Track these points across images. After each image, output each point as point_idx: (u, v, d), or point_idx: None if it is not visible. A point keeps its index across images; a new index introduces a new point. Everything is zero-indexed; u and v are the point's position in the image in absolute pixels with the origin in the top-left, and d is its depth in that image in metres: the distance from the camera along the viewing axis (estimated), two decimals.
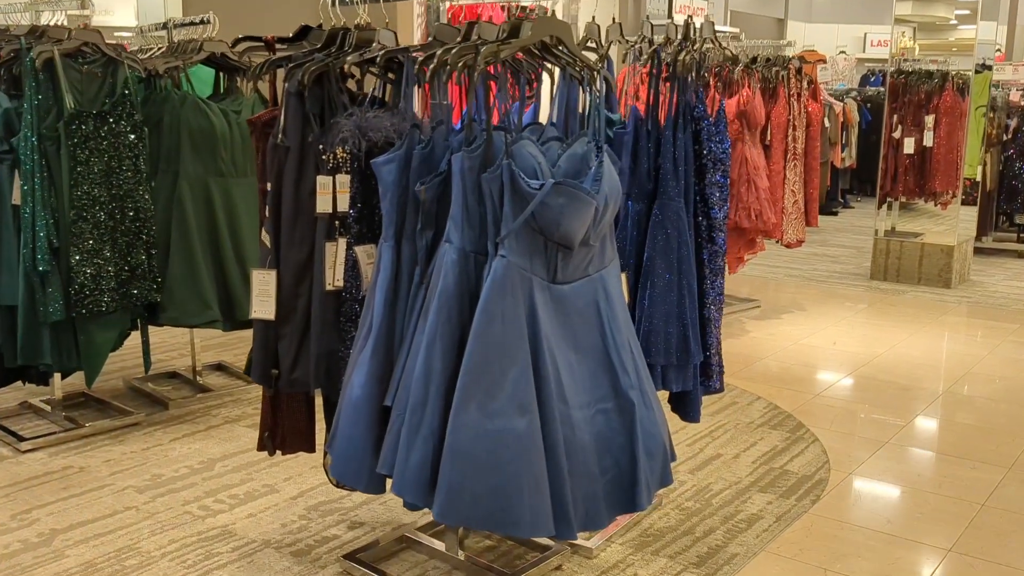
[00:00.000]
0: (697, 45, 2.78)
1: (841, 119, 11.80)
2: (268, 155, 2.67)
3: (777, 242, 5.99)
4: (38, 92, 3.39)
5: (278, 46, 2.72)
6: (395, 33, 2.66)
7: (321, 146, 2.59)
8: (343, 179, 2.61)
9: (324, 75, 2.61)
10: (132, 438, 3.88)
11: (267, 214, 2.69)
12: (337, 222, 2.65)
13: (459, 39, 2.40)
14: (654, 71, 2.75)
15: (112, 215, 3.57)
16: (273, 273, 2.68)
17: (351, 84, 2.71)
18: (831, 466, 3.69)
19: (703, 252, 2.80)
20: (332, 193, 2.63)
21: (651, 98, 2.72)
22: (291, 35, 2.71)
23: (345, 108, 2.60)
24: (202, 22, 4.01)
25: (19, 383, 3.97)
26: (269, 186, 2.68)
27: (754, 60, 5.93)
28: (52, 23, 3.73)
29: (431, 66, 2.21)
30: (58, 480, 3.45)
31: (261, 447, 2.94)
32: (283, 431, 2.90)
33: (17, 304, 3.52)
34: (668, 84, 2.71)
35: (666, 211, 2.67)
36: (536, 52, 2.34)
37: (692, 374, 2.74)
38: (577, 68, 2.39)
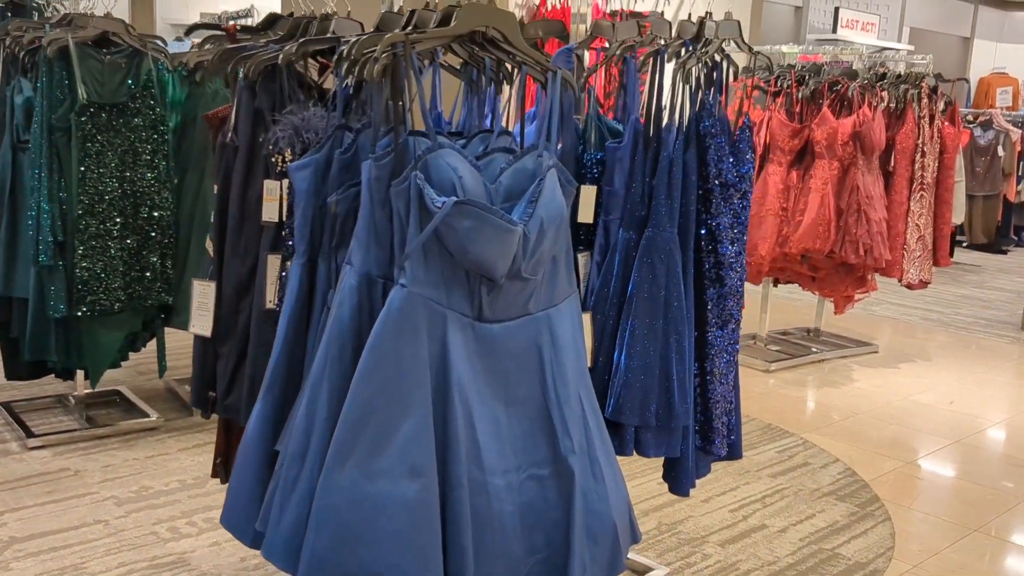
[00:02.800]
0: (712, 47, 2.33)
1: (1019, 148, 10.68)
2: (216, 154, 2.42)
3: (906, 284, 5.29)
4: (51, 81, 3.28)
5: (240, 36, 2.46)
6: (360, 23, 2.35)
7: (271, 147, 2.31)
8: None
9: (278, 68, 2.33)
10: (143, 443, 3.73)
11: (212, 219, 2.44)
12: (285, 232, 2.37)
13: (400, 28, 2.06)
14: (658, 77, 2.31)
15: (123, 212, 3.42)
16: (213, 285, 2.42)
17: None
18: (894, 554, 3.11)
19: (707, 294, 2.33)
20: (279, 200, 2.34)
21: (653, 107, 2.28)
22: (258, 24, 2.45)
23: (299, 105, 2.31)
24: None
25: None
26: (216, 188, 2.43)
27: (882, 77, 5.29)
28: (90, 11, 3.63)
29: (334, 60, 1.89)
30: (47, 483, 3.32)
31: (214, 474, 2.69)
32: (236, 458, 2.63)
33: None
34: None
35: (654, 243, 2.23)
36: (471, 46, 1.96)
37: (678, 438, 2.28)
38: (537, 69, 2.01)
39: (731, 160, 2.32)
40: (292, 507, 1.86)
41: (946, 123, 5.31)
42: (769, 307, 5.63)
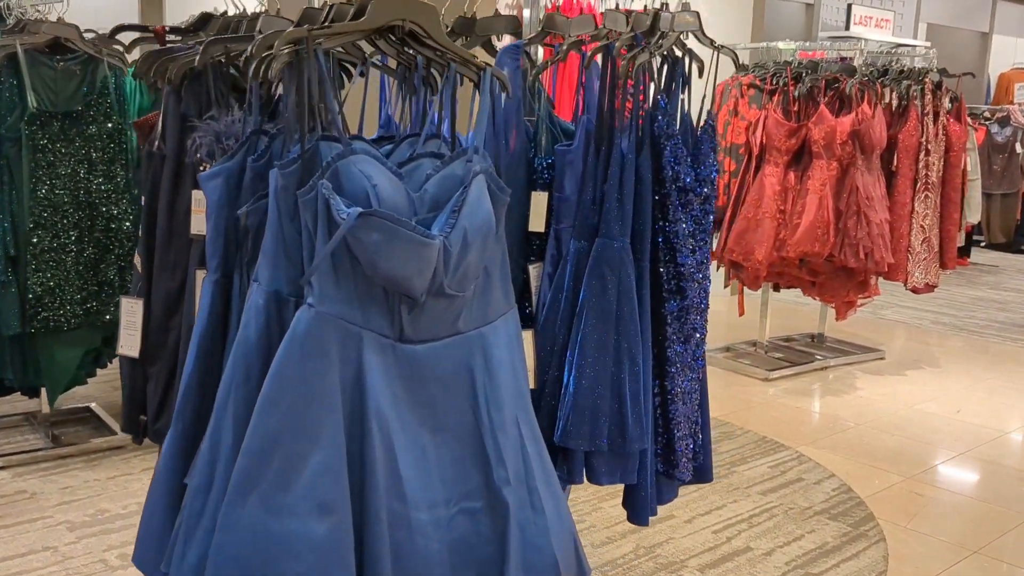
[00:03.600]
0: (667, 41, 2.16)
1: None
2: (144, 163, 2.28)
3: (912, 288, 5.07)
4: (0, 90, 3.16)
5: (171, 37, 2.32)
6: (291, 21, 2.20)
7: (195, 155, 2.17)
8: None
9: (205, 71, 2.19)
10: (106, 463, 3.60)
11: (140, 233, 2.30)
12: None
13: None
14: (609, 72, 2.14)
15: (78, 224, 3.30)
16: (141, 303, 2.28)
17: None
18: None
19: (665, 307, 2.16)
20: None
21: (606, 106, 2.12)
22: (188, 25, 2.31)
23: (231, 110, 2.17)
24: None
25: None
26: (144, 200, 2.29)
27: (884, 72, 5.09)
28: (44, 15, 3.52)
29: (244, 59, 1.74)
30: (1, 507, 3.20)
31: None
32: None
33: None
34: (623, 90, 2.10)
35: (603, 253, 2.06)
36: (397, 43, 1.80)
37: (633, 464, 2.11)
38: (471, 68, 1.85)
39: (689, 162, 2.15)
40: (195, 545, 1.70)
41: (952, 120, 5.10)
42: (770, 312, 5.44)
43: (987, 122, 10.54)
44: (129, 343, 2.29)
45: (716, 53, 2.32)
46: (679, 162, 2.12)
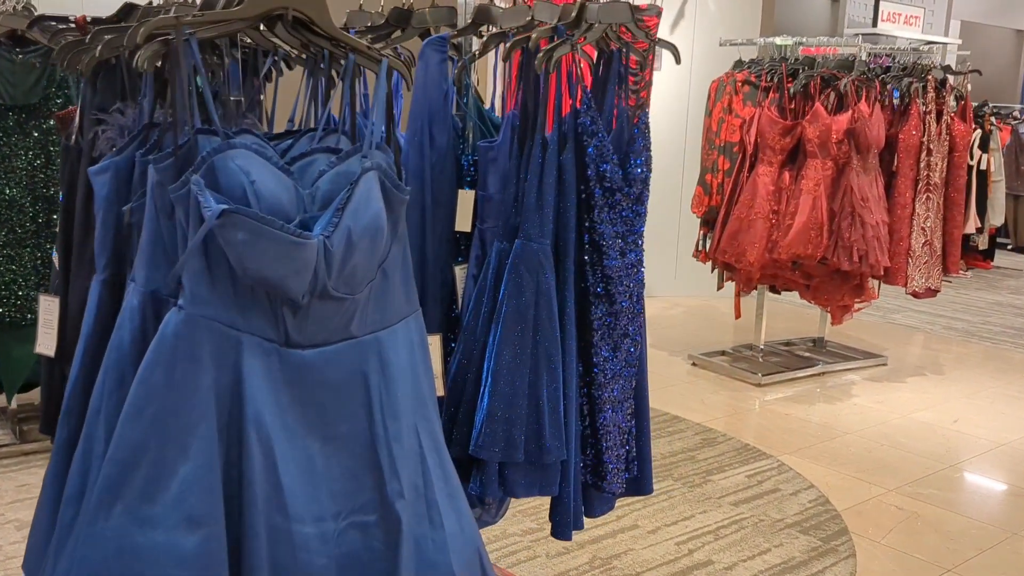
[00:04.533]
0: (592, 34, 2.05)
1: None
2: (61, 158, 2.22)
3: (912, 293, 4.90)
4: None
5: (92, 28, 2.25)
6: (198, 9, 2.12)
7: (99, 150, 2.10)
8: None
9: (120, 61, 2.12)
10: None
11: (58, 229, 2.24)
12: None
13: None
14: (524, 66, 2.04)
15: (35, 219, 3.26)
16: (57, 300, 2.22)
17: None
18: None
19: (591, 312, 2.06)
20: None
21: (528, 102, 2.02)
22: (111, 16, 2.24)
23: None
24: None
25: None
26: (62, 196, 2.23)
27: (886, 70, 4.93)
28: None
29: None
30: None
31: None
32: None
33: None
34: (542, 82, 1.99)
35: (522, 255, 1.96)
36: (296, 33, 1.72)
37: (553, 476, 2.01)
38: (370, 58, 1.76)
39: (617, 160, 2.05)
40: (65, 557, 1.64)
41: (957, 119, 4.92)
42: (768, 315, 5.30)
43: (1016, 122, 10.27)
44: (46, 342, 2.23)
45: (652, 47, 2.21)
46: (604, 160, 2.01)
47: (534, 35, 1.96)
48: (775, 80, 4.71)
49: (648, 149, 2.14)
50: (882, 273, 4.68)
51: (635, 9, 2.12)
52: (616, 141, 2.14)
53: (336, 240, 1.59)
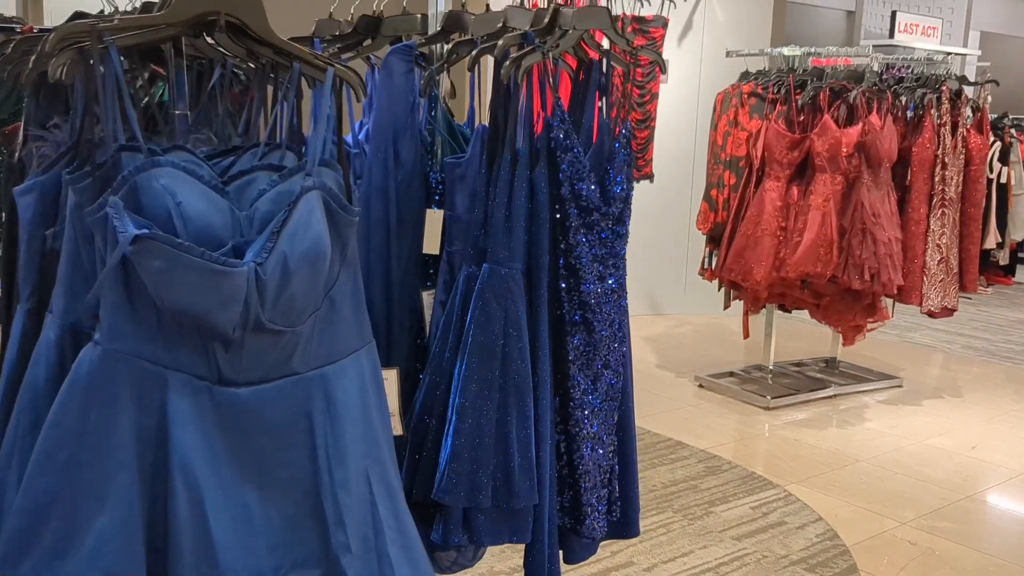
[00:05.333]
0: (567, 41, 1.89)
1: None
2: (3, 175, 2.08)
3: (927, 312, 4.70)
4: None
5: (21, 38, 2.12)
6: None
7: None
8: None
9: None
10: None
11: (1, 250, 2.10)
12: None
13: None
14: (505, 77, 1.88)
15: None
16: None
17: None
18: None
19: (568, 342, 1.90)
20: None
21: (497, 114, 1.86)
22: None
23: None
24: None
25: None
26: (4, 217, 2.09)
27: (899, 81, 4.75)
28: None
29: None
30: None
31: None
32: None
33: None
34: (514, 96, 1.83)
35: (490, 281, 1.80)
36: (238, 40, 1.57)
37: (525, 521, 1.85)
38: (315, 67, 1.61)
39: (594, 178, 1.88)
40: None
41: (973, 132, 4.73)
42: (778, 334, 5.11)
43: None
44: None
45: (608, 54, 2.05)
46: (580, 178, 1.85)
47: (500, 42, 1.81)
48: (782, 92, 4.54)
49: (630, 165, 1.97)
50: (895, 292, 4.49)
51: (614, 18, 1.96)
52: (596, 156, 1.98)
53: (270, 267, 1.44)
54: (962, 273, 4.79)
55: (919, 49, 10.75)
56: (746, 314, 4.93)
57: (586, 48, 2.03)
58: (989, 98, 7.88)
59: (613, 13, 5.44)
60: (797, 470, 3.90)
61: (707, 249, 4.91)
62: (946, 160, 4.59)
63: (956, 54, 12.59)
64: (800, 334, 6.05)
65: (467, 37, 2.00)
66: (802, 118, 4.51)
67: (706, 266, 4.89)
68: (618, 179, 1.95)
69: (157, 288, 1.37)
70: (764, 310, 4.98)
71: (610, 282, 1.95)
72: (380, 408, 1.69)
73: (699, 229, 4.93)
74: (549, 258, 1.87)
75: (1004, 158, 8.81)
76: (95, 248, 1.48)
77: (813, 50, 4.75)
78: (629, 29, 5.86)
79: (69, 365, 1.48)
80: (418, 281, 2.04)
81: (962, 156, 4.68)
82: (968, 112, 4.74)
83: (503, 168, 1.83)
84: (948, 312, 4.77)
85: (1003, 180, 8.84)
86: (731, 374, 5.18)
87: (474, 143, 1.91)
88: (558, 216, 1.88)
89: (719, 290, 4.93)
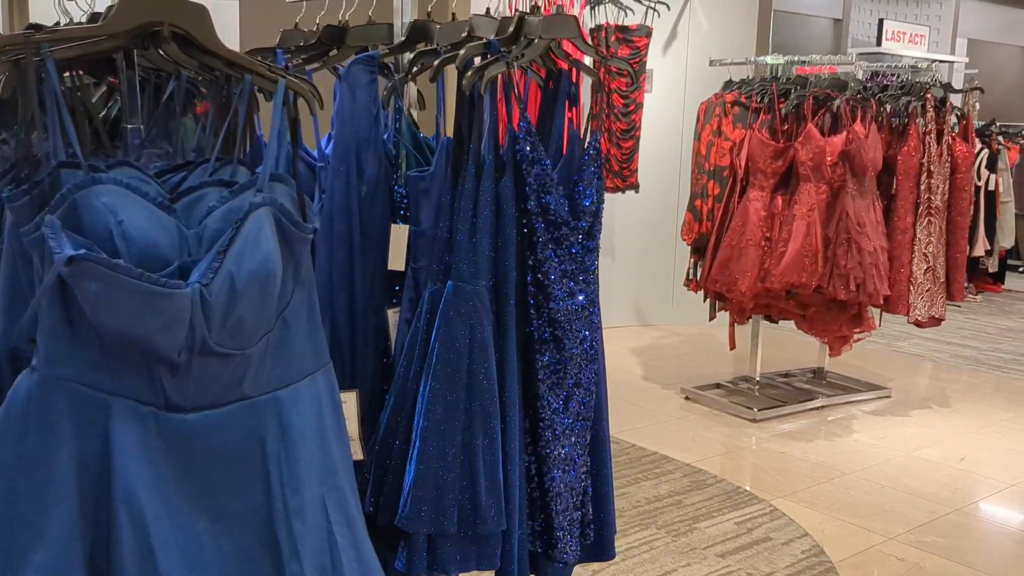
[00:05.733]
0: (532, 51, 1.83)
1: None
2: None
3: (914, 322, 4.65)
4: None
5: None
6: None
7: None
8: None
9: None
10: None
11: None
12: None
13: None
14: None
15: None
16: None
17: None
18: None
19: (537, 361, 1.84)
20: None
21: (462, 126, 1.80)
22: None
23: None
24: None
25: None
26: None
27: (883, 88, 4.71)
28: None
29: None
30: None
31: None
32: None
33: None
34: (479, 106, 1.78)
35: (455, 299, 1.75)
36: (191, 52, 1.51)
37: (493, 547, 1.78)
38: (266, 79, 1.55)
39: (562, 192, 1.83)
40: None
41: (958, 139, 4.70)
42: (764, 345, 5.05)
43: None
44: None
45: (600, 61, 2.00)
46: (547, 191, 1.79)
47: (462, 52, 1.75)
48: (766, 101, 4.49)
49: (600, 178, 1.92)
50: (881, 302, 4.45)
51: (574, 24, 1.90)
52: (565, 169, 1.93)
53: (216, 288, 1.38)
54: (949, 282, 4.74)
55: (907, 57, 10.75)
56: (732, 325, 4.87)
57: (555, 58, 1.97)
58: (977, 105, 7.84)
59: (597, 22, 5.40)
60: (783, 484, 3.84)
61: (692, 260, 4.86)
62: (931, 168, 4.55)
63: (943, 62, 12.64)
64: (787, 344, 6.00)
65: (431, 47, 1.94)
66: (786, 127, 4.46)
67: (691, 277, 4.84)
68: (588, 192, 1.90)
69: (95, 311, 1.31)
70: (750, 321, 4.93)
71: (580, 298, 1.90)
72: (338, 432, 1.63)
73: (684, 240, 4.88)
74: (517, 274, 1.82)
75: (992, 165, 8.80)
76: (34, 269, 1.42)
77: (796, 58, 4.71)
78: (613, 39, 5.82)
79: (7, 391, 1.42)
80: (383, 299, 1.99)
81: (948, 164, 4.64)
82: (953, 120, 4.70)
83: (467, 182, 1.77)
84: (936, 321, 4.72)
85: (991, 187, 8.83)
86: (718, 386, 5.12)
87: (438, 156, 1.86)
88: (525, 231, 1.83)
89: (704, 301, 4.88)
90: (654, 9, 5.90)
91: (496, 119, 1.78)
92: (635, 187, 6.02)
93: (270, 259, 1.45)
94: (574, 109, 2.00)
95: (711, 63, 5.11)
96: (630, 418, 4.60)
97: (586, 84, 2.08)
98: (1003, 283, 9.48)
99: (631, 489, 3.72)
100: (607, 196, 6.38)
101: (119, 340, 1.34)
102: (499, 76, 1.77)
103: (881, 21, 11.96)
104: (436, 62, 1.84)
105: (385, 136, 2.01)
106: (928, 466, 4.11)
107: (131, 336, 1.33)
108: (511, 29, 1.83)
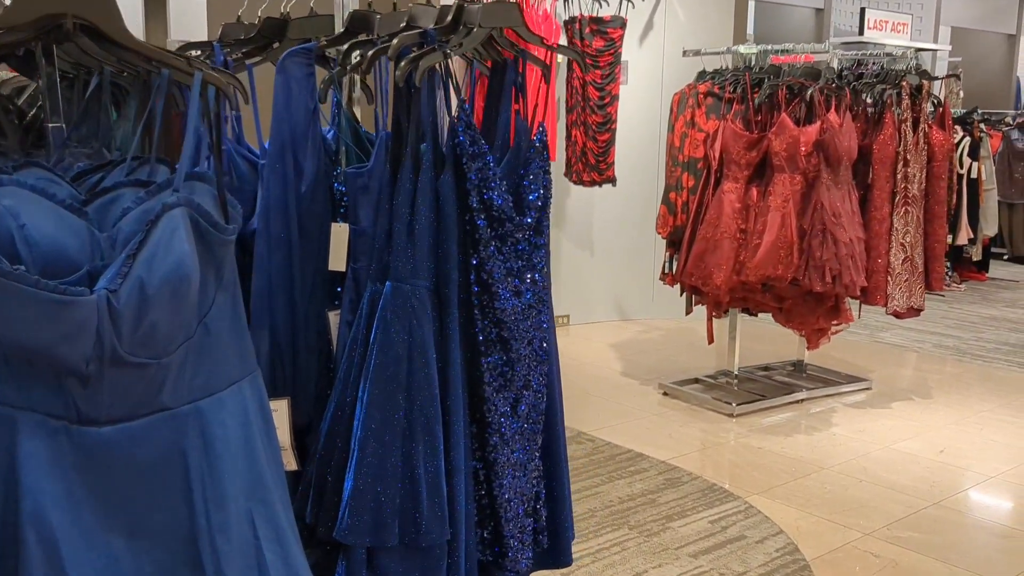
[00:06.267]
0: (470, 41, 1.75)
1: None
2: None
3: (893, 312, 4.59)
4: None
5: None
6: None
7: None
8: None
9: None
10: None
11: None
12: None
13: None
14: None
15: None
16: None
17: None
18: None
19: (483, 363, 1.77)
20: None
21: (401, 119, 1.73)
22: None
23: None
24: None
25: None
26: None
27: (859, 77, 4.65)
28: None
29: None
30: None
31: None
32: None
33: None
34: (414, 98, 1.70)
35: (393, 300, 1.67)
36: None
37: (438, 560, 1.71)
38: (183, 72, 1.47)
39: (506, 187, 1.75)
40: None
41: (935, 127, 4.63)
42: (741, 338, 4.99)
43: (1007, 128, 9.98)
44: None
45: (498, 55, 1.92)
46: (489, 186, 1.72)
47: (395, 41, 1.67)
48: (739, 91, 4.43)
49: (546, 171, 1.85)
50: (858, 293, 4.39)
51: (516, 13, 1.83)
52: (512, 162, 1.85)
53: (125, 294, 1.30)
54: (928, 272, 4.68)
55: (889, 45, 10.70)
56: (710, 319, 4.81)
57: (500, 48, 1.90)
58: (961, 93, 7.74)
59: (571, 14, 5.30)
60: (760, 480, 3.78)
61: (667, 253, 4.79)
62: (908, 157, 4.49)
63: (926, 50, 12.58)
64: (768, 337, 5.94)
65: (369, 38, 1.87)
66: (760, 117, 4.40)
67: (667, 271, 4.77)
68: (534, 186, 1.82)
69: None
70: (728, 314, 4.87)
71: (527, 296, 1.83)
72: (267, 443, 1.55)
73: (659, 233, 4.81)
74: (459, 273, 1.74)
75: (974, 153, 8.77)
76: None
77: (771, 47, 4.64)
78: (587, 30, 5.74)
79: None
80: (325, 301, 1.91)
81: (924, 152, 4.58)
82: (930, 107, 4.63)
83: (405, 178, 1.70)
84: (915, 312, 4.66)
85: (973, 175, 8.80)
86: (696, 381, 5.06)
87: (377, 151, 1.78)
88: (468, 228, 1.75)
89: (681, 295, 4.81)
90: (629, 0, 5.82)
91: (435, 112, 1.71)
92: (612, 180, 5.95)
93: (184, 263, 1.37)
94: (521, 100, 1.92)
95: (684, 53, 5.04)
96: (606, 415, 4.53)
97: (561, 77, 2.00)
98: (987, 271, 9.47)
99: (604, 488, 3.66)
100: (584, 191, 6.32)
101: (19, 351, 1.27)
102: (437, 66, 1.70)
103: (863, 10, 11.91)
104: (369, 53, 1.76)
105: (327, 131, 1.93)
106: (907, 459, 4.05)
107: (30, 347, 1.26)
108: (449, 18, 1.75)
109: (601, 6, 5.86)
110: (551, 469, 1.96)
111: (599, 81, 5.81)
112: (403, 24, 1.82)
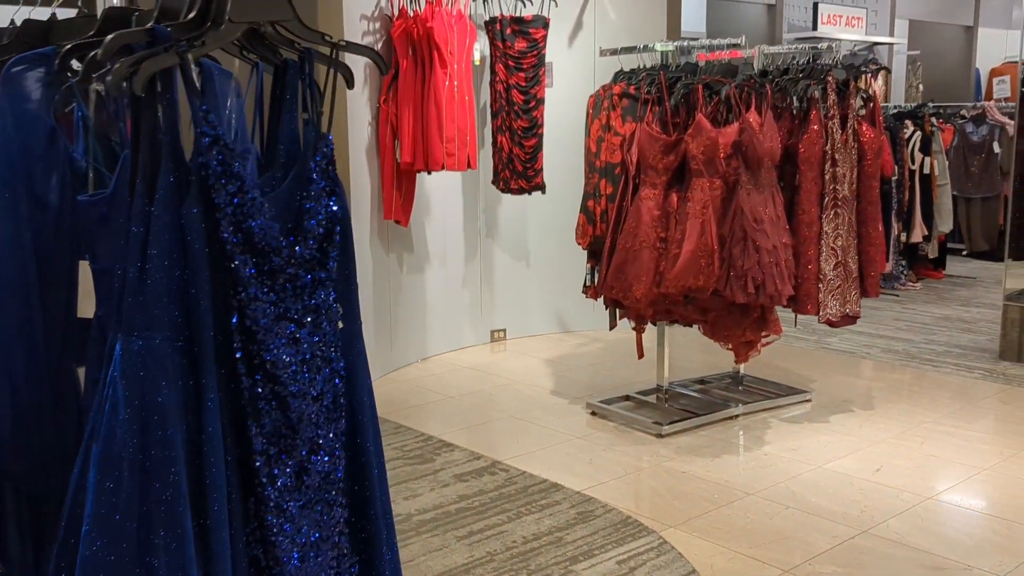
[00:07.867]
0: (213, 39, 1.45)
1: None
2: None
3: (826, 321, 4.32)
4: None
5: None
6: None
7: None
8: None
9: None
10: None
11: None
12: None
13: None
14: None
15: None
16: None
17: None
18: None
19: (252, 429, 1.47)
20: None
21: (137, 136, 1.43)
22: None
23: None
24: None
25: None
26: None
27: (784, 72, 4.38)
28: None
29: None
30: None
31: None
32: None
33: None
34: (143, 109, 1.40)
35: (121, 360, 1.37)
36: None
37: None
38: None
39: (273, 214, 1.46)
40: None
41: (864, 124, 4.37)
42: (670, 349, 4.71)
43: (962, 121, 9.77)
44: None
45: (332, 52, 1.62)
46: (247, 213, 1.42)
47: (105, 41, 1.37)
48: (654, 91, 4.15)
49: (333, 192, 1.55)
50: (785, 303, 4.12)
51: (285, 5, 1.52)
52: (294, 181, 1.56)
53: None
54: (863, 277, 4.41)
55: (845, 40, 10.49)
56: (639, 333, 4.53)
57: (275, 47, 1.60)
58: (921, 86, 7.43)
59: (492, 14, 4.98)
60: (679, 510, 3.50)
61: (588, 265, 4.51)
62: (836, 156, 4.22)
63: (882, 44, 12.31)
64: (707, 347, 5.65)
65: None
66: (678, 119, 4.12)
67: (588, 283, 4.49)
68: (316, 209, 1.53)
69: None
70: (657, 326, 4.59)
71: (315, 339, 1.53)
72: None
73: (578, 244, 4.53)
74: (213, 320, 1.44)
75: (925, 148, 8.55)
76: None
77: (687, 44, 4.37)
78: (508, 31, 5.46)
79: None
80: (74, 354, 1.60)
81: (854, 151, 4.32)
82: (859, 103, 4.38)
83: (138, 208, 1.39)
84: (850, 320, 4.39)
85: (926, 171, 8.57)
86: (627, 398, 4.78)
87: (118, 174, 1.48)
88: (228, 265, 1.45)
89: (606, 309, 4.53)
90: None
91: (175, 125, 1.41)
92: (541, 187, 5.66)
93: None
94: (311, 108, 1.62)
95: (602, 53, 4.76)
96: (527, 441, 4.24)
97: (485, 80, 1.70)
98: (944, 269, 9.25)
99: (509, 527, 3.36)
100: (516, 199, 6.03)
101: None
102: (174, 71, 1.40)
103: (816, 5, 11.72)
104: (89, 57, 1.45)
105: (76, 152, 1.63)
106: (839, 480, 3.78)
107: None
108: (194, 12, 1.45)
109: (525, 5, 5.58)
110: (368, 533, 1.66)
111: (523, 84, 5.53)
112: (150, 21, 1.51)
